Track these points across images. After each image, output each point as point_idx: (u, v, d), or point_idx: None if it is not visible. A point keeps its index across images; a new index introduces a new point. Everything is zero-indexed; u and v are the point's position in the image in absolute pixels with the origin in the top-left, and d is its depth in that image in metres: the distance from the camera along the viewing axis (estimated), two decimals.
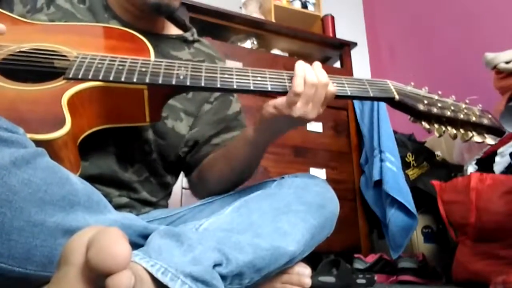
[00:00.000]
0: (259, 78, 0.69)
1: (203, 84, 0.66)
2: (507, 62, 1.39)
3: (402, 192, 1.67)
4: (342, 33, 2.38)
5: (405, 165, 1.82)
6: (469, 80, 1.76)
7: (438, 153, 1.95)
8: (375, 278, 1.29)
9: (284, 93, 0.68)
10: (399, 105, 0.72)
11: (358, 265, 1.58)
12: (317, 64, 0.70)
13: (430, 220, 1.76)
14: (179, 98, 0.84)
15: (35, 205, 0.44)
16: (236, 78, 0.68)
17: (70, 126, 0.57)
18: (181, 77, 0.66)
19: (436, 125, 0.72)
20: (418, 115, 0.72)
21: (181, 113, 0.84)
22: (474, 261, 1.27)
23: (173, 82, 0.65)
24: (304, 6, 2.38)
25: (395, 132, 1.89)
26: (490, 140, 0.73)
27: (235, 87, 0.67)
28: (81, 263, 0.36)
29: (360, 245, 1.82)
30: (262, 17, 2.22)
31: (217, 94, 0.91)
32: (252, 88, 0.67)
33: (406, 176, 1.79)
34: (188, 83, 0.65)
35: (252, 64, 1.84)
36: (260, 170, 1.72)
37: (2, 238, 0.42)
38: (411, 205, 1.65)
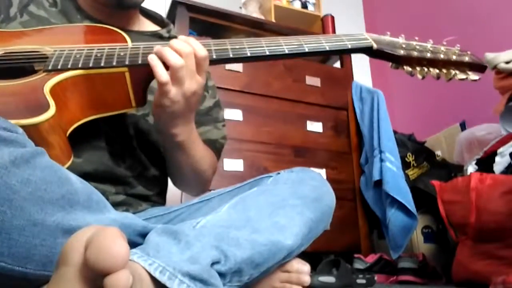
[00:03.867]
0: (237, 47, 0.72)
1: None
2: (507, 62, 1.39)
3: (402, 192, 1.67)
4: (341, 33, 2.37)
5: (405, 165, 1.82)
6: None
7: (438, 153, 1.95)
8: (375, 278, 1.29)
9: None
10: (378, 53, 0.75)
11: (358, 265, 1.58)
12: (174, 40, 0.68)
13: (430, 220, 1.76)
14: None
15: (35, 204, 0.44)
16: (214, 48, 0.71)
17: (55, 110, 0.57)
18: None
19: (418, 68, 0.75)
20: (398, 60, 0.74)
21: None
22: (474, 261, 1.27)
23: None
24: (304, 6, 2.38)
25: (395, 132, 1.90)
26: (473, 76, 0.75)
27: (214, 57, 0.70)
28: (79, 263, 0.36)
29: (360, 245, 1.82)
30: (262, 17, 2.22)
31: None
32: (232, 55, 0.70)
33: (406, 176, 1.79)
34: None
35: (252, 64, 1.84)
36: (260, 170, 1.72)
37: (2, 237, 0.42)
38: (411, 205, 1.65)
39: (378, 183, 1.76)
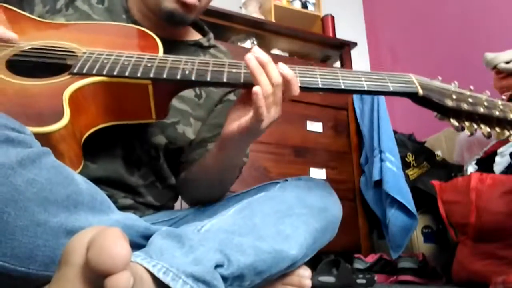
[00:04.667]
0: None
1: (208, 79, 0.64)
2: (507, 62, 1.39)
3: (402, 192, 1.67)
4: (342, 33, 2.38)
5: (405, 165, 1.83)
6: (469, 80, 1.75)
7: (438, 153, 1.95)
8: (375, 278, 1.29)
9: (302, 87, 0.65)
10: (424, 101, 0.67)
11: (358, 265, 1.58)
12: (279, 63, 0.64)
13: (430, 220, 1.76)
14: (191, 103, 0.84)
15: (39, 204, 0.44)
16: (244, 72, 0.65)
17: (68, 121, 0.56)
18: (187, 71, 0.65)
19: (467, 123, 0.66)
20: (446, 112, 0.66)
21: (190, 118, 0.84)
22: (474, 261, 1.27)
23: (178, 77, 0.64)
24: (304, 6, 2.38)
25: (395, 132, 1.90)
26: None
27: (242, 81, 0.65)
28: (81, 264, 0.36)
29: (360, 245, 1.82)
30: (262, 17, 2.22)
31: (225, 98, 0.90)
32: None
33: (406, 176, 1.79)
34: (193, 78, 0.64)
35: None
36: (260, 170, 1.72)
37: (6, 237, 0.42)
38: (411, 205, 1.65)
39: (378, 183, 1.76)
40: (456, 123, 0.66)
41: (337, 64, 2.30)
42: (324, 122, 1.95)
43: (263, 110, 0.61)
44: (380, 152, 1.79)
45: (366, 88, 0.66)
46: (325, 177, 1.82)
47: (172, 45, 0.75)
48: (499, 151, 1.41)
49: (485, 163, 1.46)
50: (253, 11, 2.25)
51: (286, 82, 0.63)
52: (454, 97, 0.66)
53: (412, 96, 0.68)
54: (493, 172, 1.38)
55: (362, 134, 1.98)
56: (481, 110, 0.65)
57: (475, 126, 0.66)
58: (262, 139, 1.79)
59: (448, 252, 1.60)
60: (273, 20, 2.20)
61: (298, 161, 1.83)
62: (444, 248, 1.72)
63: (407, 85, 0.68)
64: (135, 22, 0.83)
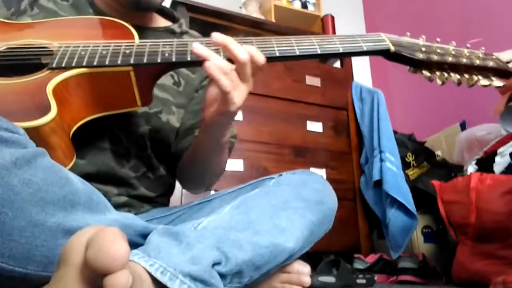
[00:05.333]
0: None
1: (189, 59, 0.65)
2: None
3: (402, 192, 1.67)
4: (342, 33, 2.37)
5: (405, 165, 1.83)
6: None
7: (438, 153, 1.95)
8: (375, 278, 1.29)
9: (281, 57, 0.67)
10: (396, 56, 0.70)
11: (358, 265, 1.58)
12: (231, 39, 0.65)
13: (430, 220, 1.76)
14: (171, 91, 0.85)
15: (36, 205, 0.44)
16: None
17: (56, 112, 0.56)
18: (166, 54, 0.65)
19: (437, 73, 0.70)
20: (417, 64, 0.70)
21: (172, 107, 0.85)
22: (474, 261, 1.27)
23: (159, 60, 0.64)
24: (304, 6, 2.38)
25: (395, 132, 1.90)
26: (497, 82, 0.71)
27: (221, 56, 0.65)
28: (79, 263, 0.36)
29: (360, 245, 1.82)
30: (262, 17, 2.22)
31: (204, 83, 0.91)
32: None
33: (406, 176, 1.79)
34: (173, 59, 0.65)
35: None
36: (260, 170, 1.72)
37: (3, 238, 0.42)
38: (411, 205, 1.65)
39: (378, 183, 1.76)
40: (428, 74, 0.69)
41: (337, 64, 2.30)
42: (324, 122, 1.95)
43: (233, 94, 0.63)
44: (380, 152, 1.79)
45: (341, 51, 0.69)
46: (325, 177, 1.82)
47: (141, 31, 0.76)
48: (499, 151, 1.41)
49: (485, 163, 1.46)
50: (253, 11, 2.25)
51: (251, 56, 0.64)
52: (423, 49, 0.70)
53: (385, 53, 0.70)
54: (493, 172, 1.38)
55: (362, 134, 1.98)
56: (450, 59, 0.69)
57: (446, 75, 0.70)
58: (262, 139, 1.79)
59: (448, 252, 1.60)
60: (273, 20, 2.20)
61: (298, 161, 1.83)
62: (444, 248, 1.72)
63: (379, 43, 0.70)
64: (102, 14, 0.84)
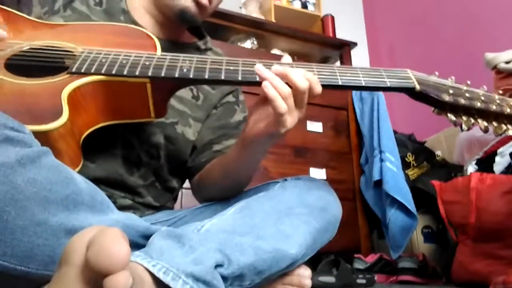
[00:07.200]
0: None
1: (206, 77, 0.64)
2: (507, 62, 1.39)
3: (402, 192, 1.67)
4: (342, 33, 2.38)
5: (405, 165, 1.83)
6: (469, 80, 1.75)
7: (438, 153, 1.95)
8: (375, 278, 1.29)
9: None
10: (421, 96, 0.67)
11: (358, 265, 1.58)
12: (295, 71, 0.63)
13: (430, 220, 1.76)
14: (189, 104, 0.84)
15: (39, 204, 0.44)
16: (242, 69, 0.65)
17: (67, 118, 0.56)
18: (185, 69, 0.64)
19: (464, 117, 0.66)
20: (443, 106, 0.66)
21: (190, 119, 0.84)
22: (474, 261, 1.27)
23: (176, 75, 0.64)
24: (304, 6, 2.38)
25: (395, 132, 1.90)
26: None
27: (239, 78, 0.64)
28: (80, 263, 0.36)
29: (360, 245, 1.82)
30: (262, 17, 2.22)
31: (223, 100, 0.90)
32: (258, 79, 0.63)
33: (406, 176, 1.79)
34: (191, 76, 0.64)
35: None
36: (260, 170, 1.72)
37: (6, 236, 0.42)
38: (411, 205, 1.65)
39: (378, 183, 1.76)
40: (453, 118, 0.66)
41: (337, 64, 2.30)
42: (324, 122, 1.95)
43: (286, 117, 0.61)
44: (380, 152, 1.79)
45: (363, 84, 0.66)
46: (325, 177, 1.82)
47: (170, 45, 0.75)
48: (499, 151, 1.41)
49: (485, 163, 1.46)
50: (253, 11, 2.25)
51: (310, 84, 0.62)
52: (451, 91, 0.66)
53: (409, 91, 0.68)
54: (493, 172, 1.39)
55: (362, 134, 1.98)
56: (478, 104, 0.65)
57: (472, 121, 0.66)
58: None
59: (448, 252, 1.60)
60: (273, 20, 2.20)
61: (298, 161, 1.83)
62: (444, 248, 1.72)
63: (404, 80, 0.67)
64: (134, 22, 0.83)
